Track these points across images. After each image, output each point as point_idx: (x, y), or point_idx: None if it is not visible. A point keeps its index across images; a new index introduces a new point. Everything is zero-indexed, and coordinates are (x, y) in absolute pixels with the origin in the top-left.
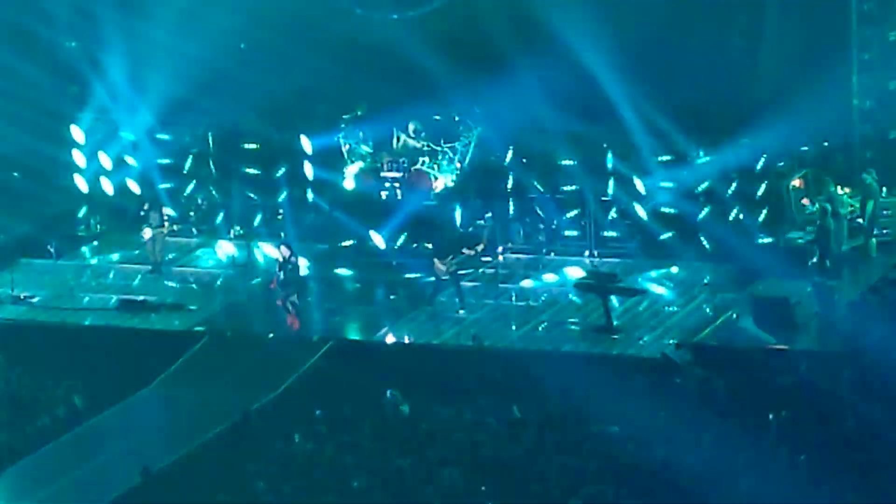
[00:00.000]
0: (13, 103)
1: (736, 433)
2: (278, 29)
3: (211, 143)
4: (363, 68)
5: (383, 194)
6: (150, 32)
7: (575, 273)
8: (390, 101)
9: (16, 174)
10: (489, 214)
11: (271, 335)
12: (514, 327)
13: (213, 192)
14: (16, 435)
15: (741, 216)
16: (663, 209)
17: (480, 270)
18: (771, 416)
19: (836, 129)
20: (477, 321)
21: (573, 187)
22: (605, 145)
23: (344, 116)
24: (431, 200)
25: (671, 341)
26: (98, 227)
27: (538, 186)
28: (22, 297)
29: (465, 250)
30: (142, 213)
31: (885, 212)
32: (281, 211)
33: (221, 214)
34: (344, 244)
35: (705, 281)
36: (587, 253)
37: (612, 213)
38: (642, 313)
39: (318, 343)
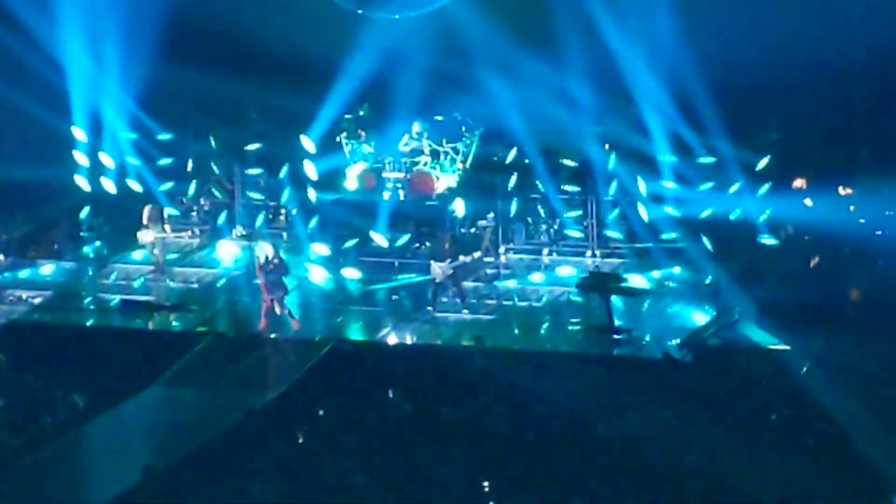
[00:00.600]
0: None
1: (737, 433)
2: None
3: (213, 143)
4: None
5: (386, 195)
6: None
7: (566, 272)
8: (392, 101)
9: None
10: (491, 215)
11: (273, 336)
12: (515, 328)
13: (216, 193)
14: (17, 435)
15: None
16: (667, 209)
17: (482, 272)
18: (773, 417)
19: None
20: (479, 321)
21: (576, 188)
22: (606, 146)
23: (346, 116)
24: (433, 201)
25: (673, 341)
26: (100, 227)
27: (540, 186)
28: (24, 297)
29: (462, 257)
30: (143, 215)
31: None
32: (284, 211)
33: (224, 215)
34: (347, 245)
35: (707, 281)
36: (589, 253)
37: (615, 214)
38: (644, 313)
39: (320, 343)
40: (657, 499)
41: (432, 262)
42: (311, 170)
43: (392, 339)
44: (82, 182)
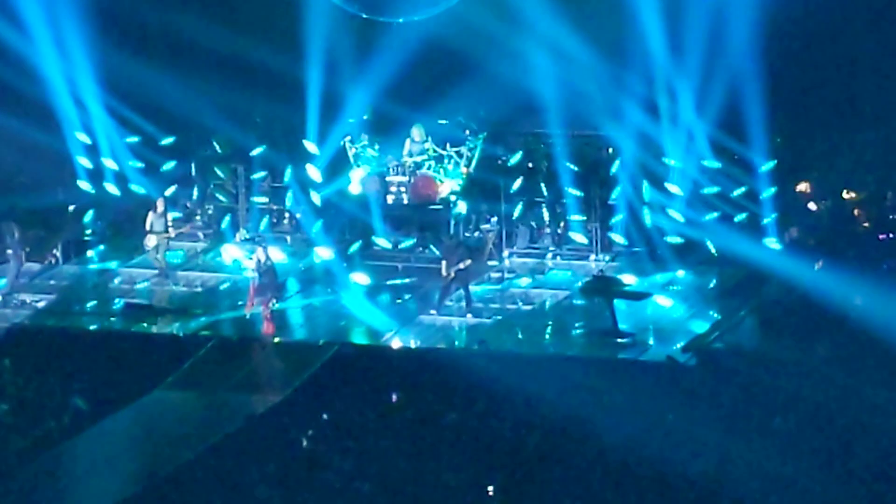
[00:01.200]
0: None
1: (742, 437)
2: None
3: (217, 147)
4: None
5: (389, 198)
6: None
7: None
8: (395, 105)
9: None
10: (494, 219)
11: (277, 339)
12: (519, 332)
13: (220, 196)
14: (22, 439)
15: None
16: (670, 212)
17: (486, 275)
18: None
19: None
20: (483, 325)
21: (580, 192)
22: (609, 150)
23: (350, 120)
24: (437, 205)
25: (677, 345)
26: (104, 230)
27: (544, 190)
28: (28, 301)
29: (465, 261)
30: (146, 219)
31: None
32: (287, 214)
33: (228, 218)
34: (351, 250)
35: (711, 285)
36: (593, 257)
37: (618, 218)
38: (648, 317)
39: (324, 347)
40: (662, 502)
41: (444, 262)
42: (314, 173)
43: (396, 343)
44: (85, 186)
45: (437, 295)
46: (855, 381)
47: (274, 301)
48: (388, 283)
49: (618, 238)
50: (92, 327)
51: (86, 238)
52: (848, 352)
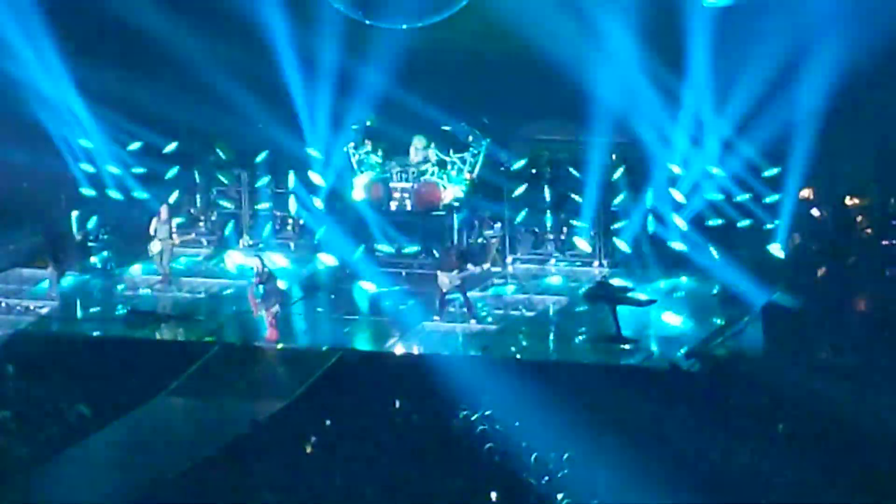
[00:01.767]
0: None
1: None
2: None
3: (220, 153)
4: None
5: (393, 205)
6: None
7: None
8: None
9: (24, 184)
10: (498, 225)
11: (280, 345)
12: (522, 338)
13: (223, 203)
14: (25, 445)
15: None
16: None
17: (490, 281)
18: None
19: None
20: (486, 331)
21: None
22: (613, 156)
23: (353, 126)
24: (440, 211)
25: (681, 351)
26: (107, 237)
27: (547, 195)
28: (31, 308)
29: (470, 266)
30: (150, 226)
31: None
32: (291, 220)
33: (231, 224)
34: (355, 256)
35: (714, 291)
36: (596, 263)
37: (622, 224)
38: (652, 323)
39: (328, 353)
40: None
41: (439, 272)
42: (317, 179)
43: (399, 350)
44: (88, 192)
45: (438, 301)
46: (859, 386)
47: (277, 307)
48: (391, 289)
49: (621, 244)
50: (95, 333)
51: (89, 244)
52: (851, 357)
